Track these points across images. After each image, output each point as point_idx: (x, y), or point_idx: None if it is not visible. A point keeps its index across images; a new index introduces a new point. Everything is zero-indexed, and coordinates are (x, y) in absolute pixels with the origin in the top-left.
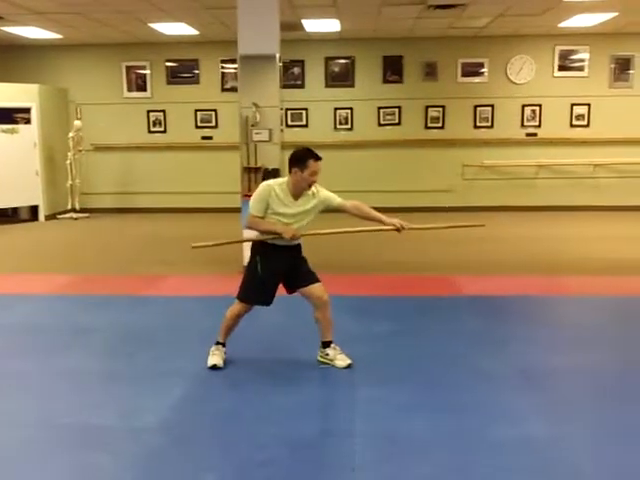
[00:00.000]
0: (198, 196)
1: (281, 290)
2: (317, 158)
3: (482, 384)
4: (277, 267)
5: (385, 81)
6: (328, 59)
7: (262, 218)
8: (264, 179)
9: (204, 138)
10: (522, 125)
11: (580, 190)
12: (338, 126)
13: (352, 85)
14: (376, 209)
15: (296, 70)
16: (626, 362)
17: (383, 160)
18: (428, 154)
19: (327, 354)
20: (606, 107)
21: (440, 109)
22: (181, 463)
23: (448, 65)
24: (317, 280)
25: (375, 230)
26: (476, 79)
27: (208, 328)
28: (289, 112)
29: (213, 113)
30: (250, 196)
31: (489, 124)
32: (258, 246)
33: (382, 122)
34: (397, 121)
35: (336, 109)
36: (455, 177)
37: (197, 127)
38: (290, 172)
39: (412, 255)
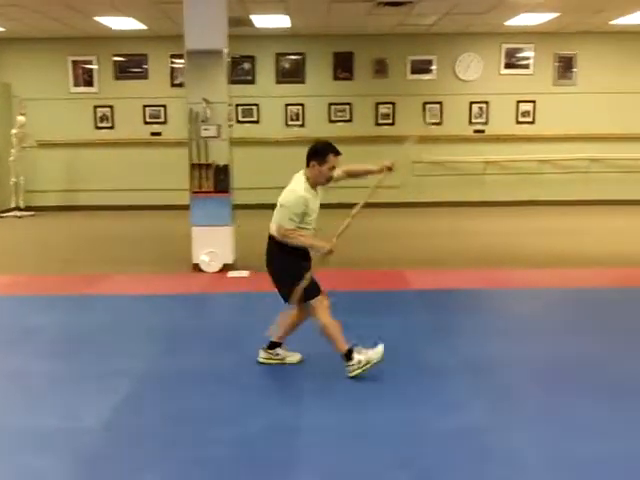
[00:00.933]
0: (147, 193)
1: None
2: (337, 153)
3: (428, 376)
4: (306, 265)
5: (336, 78)
6: (279, 55)
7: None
8: (216, 176)
9: (153, 134)
10: (470, 122)
11: (526, 185)
12: (289, 122)
13: (303, 81)
14: (326, 206)
15: (247, 66)
16: (565, 352)
17: None
18: (379, 150)
19: (277, 354)
20: (551, 104)
21: (390, 106)
22: (121, 463)
23: (398, 62)
24: None
25: (376, 188)
26: (425, 76)
27: (154, 327)
28: (240, 108)
29: (162, 109)
30: (199, 192)
31: (438, 121)
32: (287, 248)
33: (333, 118)
34: (348, 118)
35: (287, 105)
36: (405, 173)
37: (146, 123)
38: (308, 165)
39: (361, 250)
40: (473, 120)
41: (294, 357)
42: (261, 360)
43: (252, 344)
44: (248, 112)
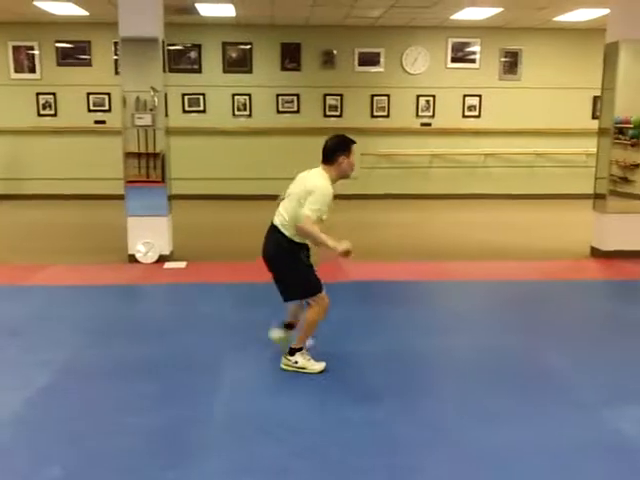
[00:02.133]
0: (90, 182)
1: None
2: (354, 141)
3: (349, 367)
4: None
5: (283, 68)
6: (226, 44)
7: None
8: (151, 166)
9: (97, 122)
10: (417, 115)
11: (472, 179)
12: (237, 112)
13: (250, 71)
14: (274, 197)
15: (193, 55)
16: (488, 343)
17: (282, 148)
18: None
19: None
20: (496, 98)
21: (338, 98)
22: (27, 457)
23: (346, 54)
24: None
25: None
26: (373, 69)
27: (84, 318)
28: (186, 97)
29: (106, 97)
30: (135, 182)
31: (385, 113)
32: (295, 245)
33: (281, 109)
34: (296, 109)
35: (234, 95)
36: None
37: (89, 111)
38: (335, 161)
39: None
40: (420, 113)
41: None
42: (274, 338)
43: (179, 336)
44: (195, 101)
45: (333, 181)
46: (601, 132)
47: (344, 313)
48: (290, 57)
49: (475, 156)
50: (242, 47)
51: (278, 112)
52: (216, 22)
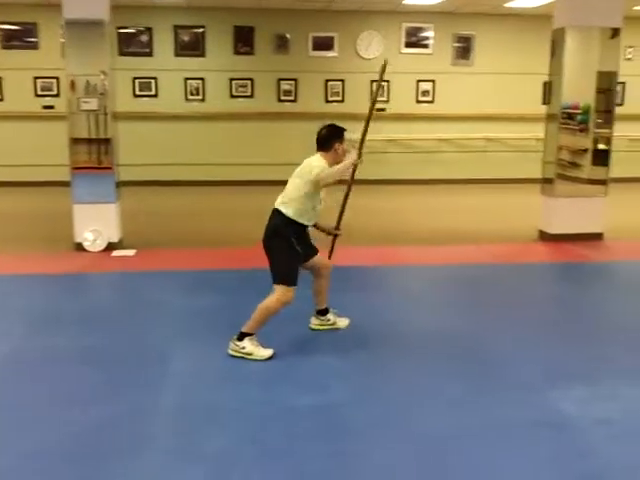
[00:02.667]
0: (38, 169)
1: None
2: (345, 129)
3: (295, 353)
4: (306, 242)
5: (237, 52)
6: (177, 27)
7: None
8: (99, 152)
9: (45, 107)
10: None
11: (426, 164)
12: (189, 97)
13: (203, 55)
14: (227, 183)
15: (144, 38)
16: (439, 327)
17: (236, 132)
18: (282, 127)
19: (328, 319)
20: (449, 84)
21: (292, 82)
22: None
23: (299, 38)
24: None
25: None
26: (327, 53)
27: (27, 308)
28: (137, 81)
29: (55, 81)
30: (81, 169)
31: (340, 99)
32: (290, 228)
33: (234, 94)
34: (250, 93)
35: (187, 79)
36: (309, 151)
37: (37, 95)
38: (328, 148)
39: (256, 227)
40: None
41: (344, 322)
42: (313, 327)
43: (126, 325)
44: (146, 86)
45: (330, 166)
46: (549, 117)
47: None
48: (243, 41)
49: (429, 141)
50: (194, 30)
51: (232, 97)
52: (167, 5)
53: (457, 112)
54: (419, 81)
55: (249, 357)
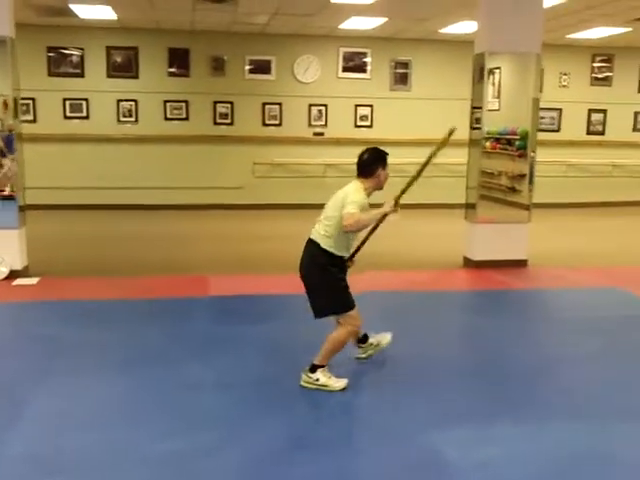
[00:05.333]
0: None
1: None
2: (387, 153)
3: (187, 391)
4: (344, 276)
5: (171, 74)
6: (110, 48)
7: None
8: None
9: None
10: (310, 124)
11: None
12: (122, 119)
13: (136, 76)
14: (161, 207)
15: (75, 58)
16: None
17: (171, 156)
18: (218, 151)
19: (371, 344)
20: (387, 109)
21: (229, 105)
22: None
23: (236, 61)
24: None
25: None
26: (264, 76)
27: None
28: (67, 102)
29: None
30: None
31: (278, 122)
32: (330, 260)
33: (169, 116)
34: (185, 116)
35: (119, 101)
36: (246, 174)
37: None
38: (373, 173)
39: (181, 253)
40: (312, 122)
41: (386, 338)
42: (362, 356)
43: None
44: (77, 107)
45: (368, 193)
46: (471, 143)
47: (185, 331)
48: (178, 63)
49: None
50: (127, 51)
51: (166, 119)
52: (99, 25)
53: (395, 137)
54: (357, 106)
55: (325, 389)
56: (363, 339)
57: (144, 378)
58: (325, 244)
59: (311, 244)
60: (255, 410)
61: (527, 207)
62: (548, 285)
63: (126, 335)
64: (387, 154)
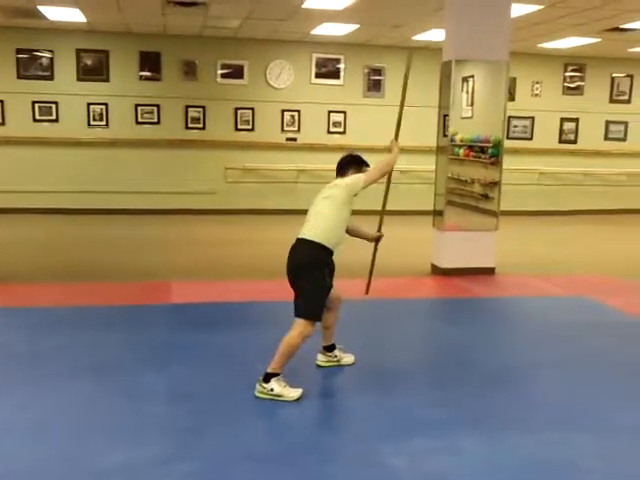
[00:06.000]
0: None
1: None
2: (367, 164)
3: (139, 402)
4: (332, 274)
5: (142, 78)
6: (80, 51)
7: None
8: None
9: None
10: (282, 130)
11: None
12: (92, 122)
13: (107, 80)
14: (134, 211)
15: (45, 61)
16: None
17: (142, 160)
18: (189, 155)
19: (335, 355)
20: (360, 115)
21: (200, 109)
22: None
23: (208, 65)
24: None
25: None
26: (236, 81)
27: None
28: (37, 105)
29: None
30: None
31: (250, 127)
32: (322, 257)
33: (140, 120)
34: (156, 120)
35: (89, 104)
36: (218, 179)
37: None
38: (346, 174)
39: (135, 259)
40: (285, 128)
41: (349, 358)
42: (320, 364)
43: None
44: (46, 110)
45: None
46: (439, 149)
47: (140, 339)
48: (149, 66)
49: None
50: (98, 54)
51: (137, 123)
52: (68, 27)
53: (369, 143)
54: (330, 112)
55: (279, 399)
56: (331, 347)
57: (95, 388)
58: (320, 237)
59: (303, 243)
60: (207, 421)
61: (495, 214)
62: (515, 293)
63: (79, 343)
64: (360, 159)
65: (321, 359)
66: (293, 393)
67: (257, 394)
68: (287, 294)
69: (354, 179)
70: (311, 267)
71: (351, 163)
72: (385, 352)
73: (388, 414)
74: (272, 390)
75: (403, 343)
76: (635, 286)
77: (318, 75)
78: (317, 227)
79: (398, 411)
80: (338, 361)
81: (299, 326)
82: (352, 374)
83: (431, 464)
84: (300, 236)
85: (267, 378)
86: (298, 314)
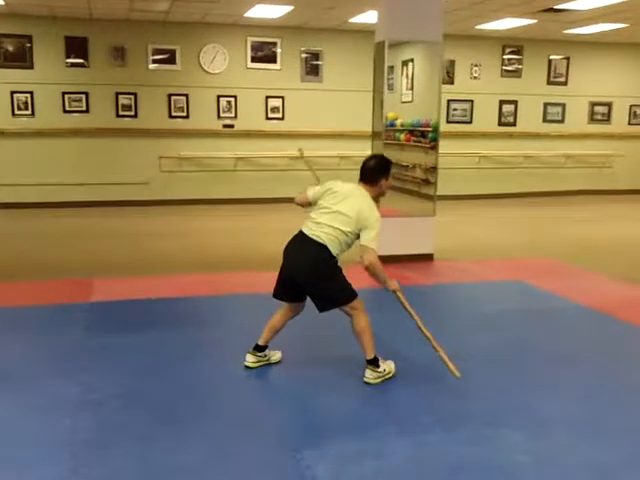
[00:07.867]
0: None
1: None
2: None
3: (38, 412)
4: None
5: (69, 64)
6: (0, 36)
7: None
8: None
9: None
10: (219, 116)
11: (277, 182)
12: (17, 112)
13: (31, 67)
14: (63, 204)
15: None
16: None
17: (71, 150)
18: (121, 144)
19: (265, 355)
20: (299, 100)
21: (132, 96)
22: None
23: (138, 50)
24: None
25: None
26: (169, 66)
27: None
28: None
29: None
30: None
31: (185, 114)
32: (330, 253)
33: (68, 108)
34: (85, 108)
35: (13, 93)
36: (152, 169)
37: None
38: (376, 183)
39: (55, 255)
40: (222, 114)
41: (276, 355)
42: (249, 365)
43: None
44: None
45: None
46: (374, 135)
47: (50, 342)
48: (76, 52)
49: (279, 159)
50: (20, 39)
51: (65, 111)
52: None
53: (307, 129)
54: (268, 97)
55: (389, 376)
56: (263, 348)
57: None
58: (332, 250)
59: (313, 244)
60: (115, 432)
61: (432, 199)
62: (452, 279)
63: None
64: (391, 163)
65: (250, 360)
66: (393, 365)
67: (371, 381)
68: (212, 288)
69: (375, 236)
70: (327, 268)
71: (383, 172)
72: (308, 347)
73: (308, 417)
74: (384, 370)
75: (328, 338)
76: (572, 269)
77: (254, 59)
78: (330, 235)
79: (320, 413)
80: (268, 360)
81: (351, 311)
82: (272, 373)
83: (355, 468)
84: (310, 235)
85: (375, 363)
86: (342, 303)
